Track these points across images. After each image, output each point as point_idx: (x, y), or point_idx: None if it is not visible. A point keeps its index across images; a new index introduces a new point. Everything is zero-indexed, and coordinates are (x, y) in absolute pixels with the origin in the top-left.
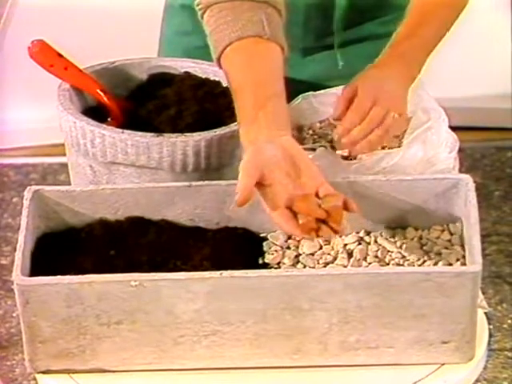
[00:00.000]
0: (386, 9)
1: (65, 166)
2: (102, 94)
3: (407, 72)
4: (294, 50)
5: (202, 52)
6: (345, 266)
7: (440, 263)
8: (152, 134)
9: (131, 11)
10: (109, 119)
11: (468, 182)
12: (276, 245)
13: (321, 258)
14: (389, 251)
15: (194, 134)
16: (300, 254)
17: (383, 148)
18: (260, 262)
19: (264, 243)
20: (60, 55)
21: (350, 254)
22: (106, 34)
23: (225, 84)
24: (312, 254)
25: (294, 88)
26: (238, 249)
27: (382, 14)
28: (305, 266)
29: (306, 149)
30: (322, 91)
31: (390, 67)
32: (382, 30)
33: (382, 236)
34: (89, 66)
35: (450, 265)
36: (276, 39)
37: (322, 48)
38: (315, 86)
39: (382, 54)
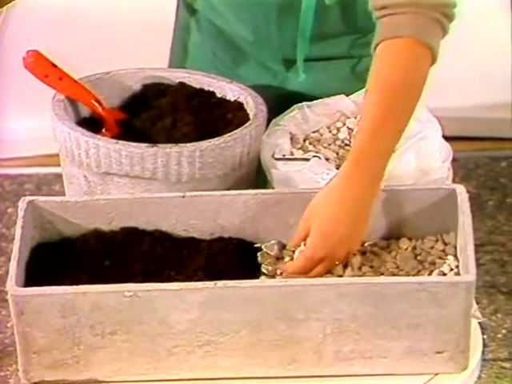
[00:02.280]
0: (355, 30)
1: (60, 176)
2: (96, 104)
3: (371, 189)
4: (277, 61)
5: (196, 48)
6: (339, 276)
7: (434, 273)
8: (146, 144)
9: (128, 21)
10: (103, 130)
11: (462, 191)
12: (271, 255)
13: None
14: (383, 261)
15: (189, 144)
16: None
17: None
18: (256, 274)
19: (258, 253)
20: (54, 65)
21: (344, 264)
22: (101, 43)
23: (219, 95)
24: None
25: (283, 99)
26: (232, 259)
27: (350, 34)
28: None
29: (299, 159)
30: (316, 101)
31: (352, 186)
32: (353, 51)
33: (376, 246)
34: (84, 77)
35: (444, 275)
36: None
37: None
38: (304, 97)
39: (343, 166)
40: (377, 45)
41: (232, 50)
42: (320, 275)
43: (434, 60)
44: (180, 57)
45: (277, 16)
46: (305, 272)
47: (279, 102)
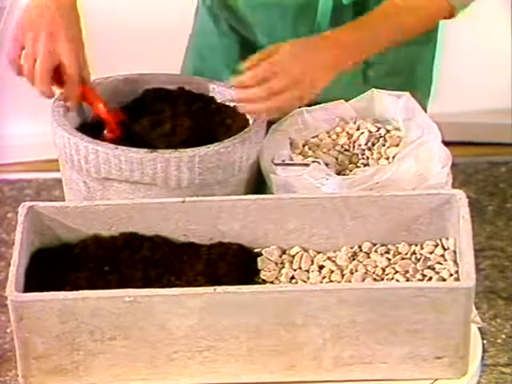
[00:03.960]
0: None
1: (59, 181)
2: (100, 105)
3: (342, 58)
4: None
5: (212, 51)
6: (339, 282)
7: (433, 278)
8: (146, 150)
9: (129, 26)
10: (105, 132)
11: (461, 197)
12: (270, 260)
13: (314, 272)
14: (382, 267)
15: (188, 149)
16: (295, 270)
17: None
18: (256, 279)
19: (258, 259)
20: None
21: (343, 270)
22: (101, 48)
23: (219, 100)
24: (307, 270)
25: None
26: (231, 264)
27: None
28: (298, 282)
29: (299, 164)
30: (316, 107)
31: (328, 47)
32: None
33: (375, 251)
34: None
35: (444, 280)
36: None
37: None
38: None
39: (333, 30)
40: None
41: (248, 53)
42: (267, 96)
43: (451, 15)
44: (193, 62)
45: (293, 18)
46: (256, 82)
47: None
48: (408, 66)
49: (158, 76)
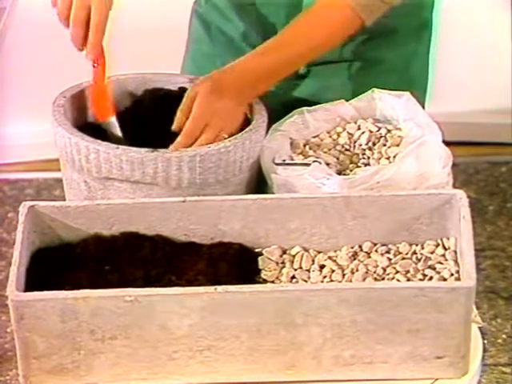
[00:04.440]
0: (373, 33)
1: (60, 181)
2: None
3: (253, 94)
4: None
5: (206, 59)
6: (339, 282)
7: (434, 278)
8: (146, 149)
9: (130, 26)
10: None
11: (462, 197)
12: (271, 260)
13: (314, 272)
14: (383, 266)
15: (189, 149)
16: (296, 270)
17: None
18: (257, 279)
19: (259, 258)
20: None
21: (344, 270)
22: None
23: None
24: (308, 270)
25: (290, 105)
26: (232, 264)
27: (367, 38)
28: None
29: (300, 164)
30: (316, 106)
31: (235, 79)
32: (370, 54)
33: (376, 251)
34: (85, 81)
35: (444, 280)
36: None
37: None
38: (311, 103)
39: (240, 59)
40: None
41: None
42: (208, 141)
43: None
44: (190, 70)
45: (285, 16)
46: (195, 137)
47: (285, 108)
48: (404, 64)
49: (158, 76)
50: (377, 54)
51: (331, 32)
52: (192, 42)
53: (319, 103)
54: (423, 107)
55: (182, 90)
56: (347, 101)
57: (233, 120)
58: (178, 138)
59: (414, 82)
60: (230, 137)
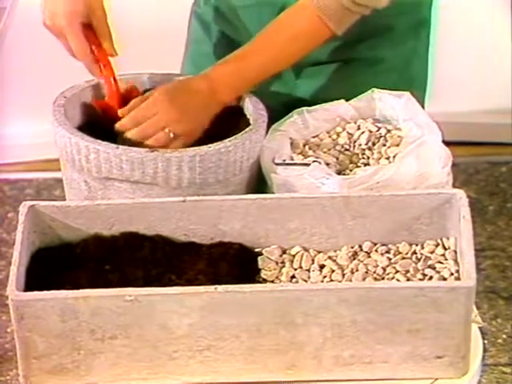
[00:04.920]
0: (371, 31)
1: (60, 181)
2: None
3: (225, 98)
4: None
5: (205, 60)
6: (339, 281)
7: (434, 278)
8: (146, 149)
9: (131, 25)
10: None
11: (462, 196)
12: (271, 260)
13: (314, 272)
14: (383, 266)
15: (189, 149)
16: (296, 269)
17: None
18: (257, 279)
19: (259, 258)
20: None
21: (344, 270)
22: None
23: None
24: (307, 270)
25: (292, 105)
26: (232, 264)
27: (366, 37)
28: (298, 281)
29: (299, 164)
30: (316, 106)
31: (217, 87)
32: (368, 53)
33: (375, 251)
34: (86, 81)
35: (444, 279)
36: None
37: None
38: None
39: (209, 68)
40: None
41: None
42: (154, 127)
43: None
44: (189, 70)
45: None
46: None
47: (287, 108)
48: (403, 62)
49: (158, 75)
50: (375, 53)
51: (299, 41)
52: (191, 43)
53: (318, 104)
54: (423, 106)
55: None
56: (347, 101)
57: (184, 121)
58: (123, 119)
59: (413, 81)
60: (179, 139)
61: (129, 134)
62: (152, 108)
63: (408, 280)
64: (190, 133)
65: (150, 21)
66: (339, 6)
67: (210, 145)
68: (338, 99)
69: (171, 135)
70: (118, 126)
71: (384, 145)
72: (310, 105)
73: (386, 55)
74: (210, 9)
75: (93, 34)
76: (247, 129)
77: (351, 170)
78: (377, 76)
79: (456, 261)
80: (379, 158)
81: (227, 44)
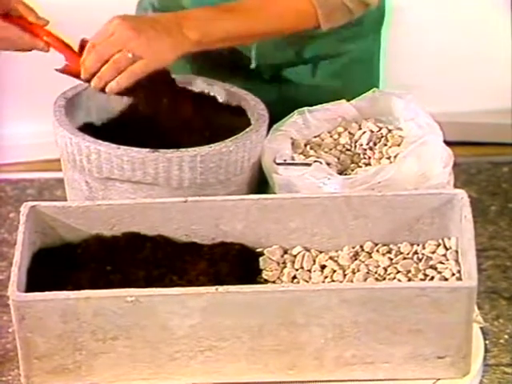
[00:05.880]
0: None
1: (61, 181)
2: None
3: (193, 36)
4: None
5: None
6: (341, 282)
7: (435, 278)
8: (147, 149)
9: None
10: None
11: (463, 196)
12: (272, 260)
13: (316, 272)
14: (384, 266)
15: (190, 149)
16: (297, 270)
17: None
18: (258, 279)
19: (260, 258)
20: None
21: (345, 270)
22: None
23: (220, 100)
24: (309, 270)
25: (290, 105)
26: (233, 264)
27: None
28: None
29: (300, 164)
30: (317, 106)
31: (184, 23)
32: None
33: (377, 251)
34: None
35: (446, 280)
36: None
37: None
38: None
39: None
40: None
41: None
42: (108, 52)
43: (318, 26)
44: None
45: None
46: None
47: (282, 107)
48: (368, 55)
49: None
50: (344, 46)
51: (282, 18)
52: None
53: (320, 103)
54: None
55: (184, 90)
56: (348, 101)
57: (143, 39)
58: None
59: (375, 73)
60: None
61: (87, 62)
62: (107, 31)
63: (409, 280)
64: (152, 55)
65: None
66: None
67: (211, 145)
68: (314, 101)
69: (129, 55)
70: (84, 71)
71: (385, 145)
72: (310, 105)
73: (353, 48)
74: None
75: (13, 19)
76: (248, 129)
77: (352, 170)
78: (344, 68)
79: (457, 261)
80: (380, 158)
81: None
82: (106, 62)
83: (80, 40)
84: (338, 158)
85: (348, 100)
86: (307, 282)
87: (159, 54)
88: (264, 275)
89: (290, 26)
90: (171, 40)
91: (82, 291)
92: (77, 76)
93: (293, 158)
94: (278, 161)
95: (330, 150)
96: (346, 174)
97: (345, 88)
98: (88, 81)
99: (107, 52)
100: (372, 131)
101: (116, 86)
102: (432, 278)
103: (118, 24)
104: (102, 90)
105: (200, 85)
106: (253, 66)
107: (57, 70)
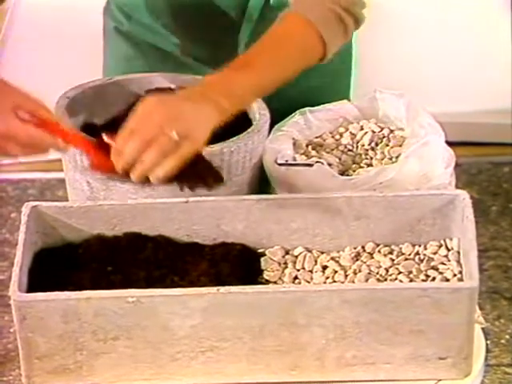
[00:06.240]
0: None
1: (63, 181)
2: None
3: (224, 103)
4: None
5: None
6: (342, 282)
7: (437, 279)
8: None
9: None
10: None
11: (464, 197)
12: (274, 260)
13: (317, 273)
14: (385, 267)
15: None
16: (298, 270)
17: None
18: (259, 279)
19: (261, 259)
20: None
21: (346, 270)
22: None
23: None
24: (310, 271)
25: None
26: (235, 264)
27: None
28: (301, 282)
29: (302, 164)
30: (319, 107)
31: (211, 91)
32: None
33: (378, 252)
34: (88, 82)
35: (447, 280)
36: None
37: None
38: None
39: (213, 73)
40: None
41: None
42: (152, 135)
43: (323, 58)
44: None
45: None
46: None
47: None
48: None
49: (161, 76)
50: None
51: (300, 54)
52: (116, 61)
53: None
54: (348, 98)
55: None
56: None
57: (182, 119)
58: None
59: (349, 70)
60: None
61: (127, 149)
62: (143, 114)
63: (411, 281)
64: (194, 134)
65: None
66: (329, 12)
67: (212, 145)
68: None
69: (175, 136)
70: (123, 161)
71: (387, 145)
72: (312, 105)
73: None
74: (138, 26)
75: (27, 120)
76: (250, 129)
77: (354, 171)
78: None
79: (459, 262)
80: (382, 159)
81: (164, 58)
82: (148, 147)
83: (97, 138)
84: (340, 159)
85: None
86: (308, 282)
87: (203, 129)
88: (265, 276)
89: (303, 64)
90: (209, 110)
91: (84, 291)
92: (108, 172)
93: (294, 159)
94: (279, 161)
95: (332, 150)
96: (347, 175)
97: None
98: (126, 173)
99: (149, 135)
100: (374, 132)
101: (163, 173)
102: (433, 279)
103: (154, 104)
104: (147, 181)
105: None
106: None
107: (91, 169)
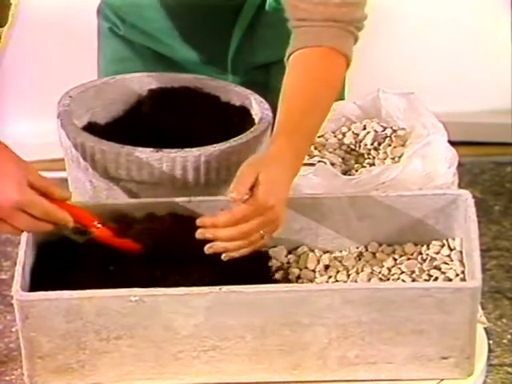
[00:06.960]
0: None
1: (65, 180)
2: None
3: (297, 168)
4: None
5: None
6: (345, 282)
7: (439, 279)
8: (151, 149)
9: None
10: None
11: (467, 197)
12: (277, 260)
13: (320, 272)
14: (388, 267)
15: (194, 149)
16: (301, 270)
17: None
18: (262, 278)
19: (264, 259)
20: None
21: (349, 270)
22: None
23: (224, 99)
24: (313, 270)
25: None
26: (237, 264)
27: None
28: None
29: (304, 164)
30: None
31: (284, 161)
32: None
33: (381, 251)
34: (89, 81)
35: (450, 280)
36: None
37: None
38: None
39: (275, 143)
40: (292, 52)
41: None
42: (251, 233)
43: (348, 65)
44: None
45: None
46: (244, 220)
47: None
48: None
49: (163, 75)
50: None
51: (336, 89)
52: (112, 61)
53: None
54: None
55: (186, 89)
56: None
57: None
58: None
59: None
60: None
61: (223, 233)
62: (264, 206)
63: (413, 281)
64: (280, 222)
65: None
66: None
67: (214, 145)
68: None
69: (263, 233)
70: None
71: (389, 145)
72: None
73: None
74: (133, 30)
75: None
76: (252, 128)
77: (357, 170)
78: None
79: (461, 261)
80: (385, 158)
81: (157, 59)
82: (240, 238)
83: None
84: (343, 158)
85: None
86: (311, 282)
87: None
88: (268, 275)
89: (337, 95)
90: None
91: (86, 291)
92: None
93: None
94: None
95: (335, 150)
96: (350, 175)
97: None
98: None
99: (247, 234)
100: (376, 131)
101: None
102: (436, 279)
103: (278, 207)
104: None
105: (204, 84)
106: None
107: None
